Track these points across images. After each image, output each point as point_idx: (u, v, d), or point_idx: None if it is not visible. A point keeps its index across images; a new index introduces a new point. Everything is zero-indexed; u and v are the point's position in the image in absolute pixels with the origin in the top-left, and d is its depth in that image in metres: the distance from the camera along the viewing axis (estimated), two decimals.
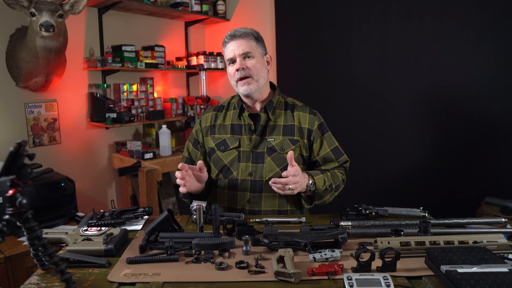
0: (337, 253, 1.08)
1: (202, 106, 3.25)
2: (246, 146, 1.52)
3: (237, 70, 1.48)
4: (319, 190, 1.43)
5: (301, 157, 1.55)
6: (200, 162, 1.44)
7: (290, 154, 1.34)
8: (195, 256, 1.10)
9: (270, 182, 1.36)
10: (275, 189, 1.37)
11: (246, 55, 1.48)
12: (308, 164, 1.60)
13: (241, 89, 1.49)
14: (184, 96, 3.44)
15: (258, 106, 1.56)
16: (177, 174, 1.38)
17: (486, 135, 2.54)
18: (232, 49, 1.49)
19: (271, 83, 1.63)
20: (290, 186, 1.34)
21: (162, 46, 3.13)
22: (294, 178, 1.33)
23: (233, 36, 1.49)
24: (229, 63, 1.52)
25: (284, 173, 1.34)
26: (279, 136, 1.52)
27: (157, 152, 2.92)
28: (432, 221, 1.25)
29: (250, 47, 1.49)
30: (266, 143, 1.52)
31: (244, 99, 1.56)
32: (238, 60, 1.48)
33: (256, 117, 1.56)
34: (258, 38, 1.54)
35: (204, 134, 1.62)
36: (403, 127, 2.81)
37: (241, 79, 1.48)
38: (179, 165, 1.38)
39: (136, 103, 3.02)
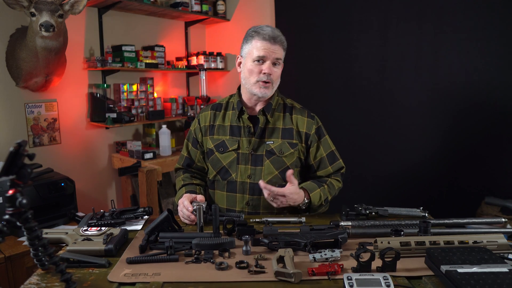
0: (337, 253, 1.08)
1: (202, 106, 3.25)
2: (245, 148, 1.52)
3: (264, 73, 1.46)
4: (313, 206, 1.47)
5: (299, 161, 1.56)
6: (201, 198, 1.41)
7: (289, 173, 1.34)
8: (195, 256, 1.10)
9: (261, 185, 1.33)
10: (265, 193, 1.35)
11: (276, 62, 1.47)
12: (304, 167, 1.60)
13: (259, 91, 1.47)
14: (184, 96, 3.44)
15: (257, 108, 1.55)
16: (186, 217, 1.36)
17: (486, 135, 2.54)
18: (265, 49, 1.44)
19: None
20: (283, 200, 1.35)
21: (162, 46, 3.13)
22: (289, 196, 1.35)
23: (273, 39, 1.44)
24: (256, 60, 1.46)
25: (280, 190, 1.33)
26: (278, 139, 1.52)
27: (157, 152, 2.92)
28: (432, 221, 1.25)
29: (282, 54, 1.48)
30: (265, 146, 1.52)
31: (247, 99, 1.55)
32: (268, 64, 1.45)
33: (255, 119, 1.55)
34: (285, 47, 1.52)
35: (203, 134, 1.61)
36: (402, 127, 2.81)
37: (263, 81, 1.47)
38: (187, 206, 1.35)
39: (136, 103, 3.02)
